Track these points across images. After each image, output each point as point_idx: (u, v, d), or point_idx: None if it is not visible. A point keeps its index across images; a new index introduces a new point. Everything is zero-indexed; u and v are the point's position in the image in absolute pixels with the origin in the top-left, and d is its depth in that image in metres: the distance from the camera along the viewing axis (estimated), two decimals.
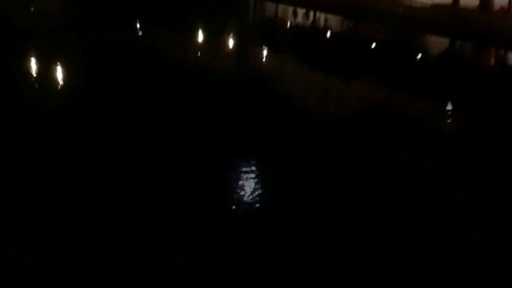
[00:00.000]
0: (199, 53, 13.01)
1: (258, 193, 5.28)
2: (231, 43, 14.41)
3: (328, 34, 17.33)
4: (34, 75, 9.71)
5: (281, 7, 21.43)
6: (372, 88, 10.13)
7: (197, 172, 5.77)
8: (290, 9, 20.76)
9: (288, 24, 18.87)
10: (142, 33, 15.50)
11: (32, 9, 18.10)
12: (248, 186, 5.44)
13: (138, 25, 16.38)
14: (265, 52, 13.22)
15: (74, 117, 7.42)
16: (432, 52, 14.88)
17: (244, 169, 5.86)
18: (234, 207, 5.04)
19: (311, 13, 20.24)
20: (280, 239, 4.48)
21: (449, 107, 9.25)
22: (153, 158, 6.10)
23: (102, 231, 4.44)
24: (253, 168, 5.91)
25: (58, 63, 10.55)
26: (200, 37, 15.20)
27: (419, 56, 14.07)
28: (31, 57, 10.92)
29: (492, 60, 14.30)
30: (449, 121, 8.56)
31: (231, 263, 4.04)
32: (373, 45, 15.41)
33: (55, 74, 9.85)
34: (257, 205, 5.07)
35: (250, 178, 5.64)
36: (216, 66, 11.29)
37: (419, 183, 5.85)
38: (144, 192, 5.25)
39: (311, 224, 4.80)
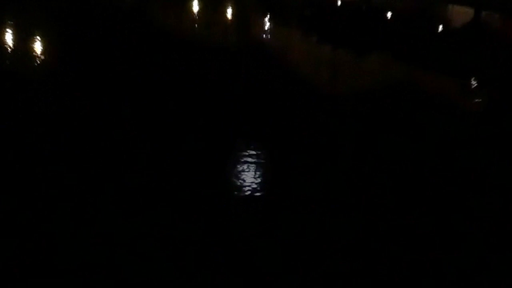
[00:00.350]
0: (197, 23, 12.78)
1: (260, 184, 5.12)
2: (230, 11, 14.09)
3: (339, 1, 16.91)
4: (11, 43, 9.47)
5: None
6: (387, 63, 9.99)
7: (194, 155, 5.61)
8: None
9: None
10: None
11: None
12: (250, 175, 5.27)
13: None
14: (268, 23, 12.93)
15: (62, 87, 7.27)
16: (455, 23, 14.56)
17: (247, 154, 5.70)
18: (232, 199, 4.91)
19: None
20: (285, 238, 4.35)
21: (474, 83, 9.06)
22: (148, 137, 5.98)
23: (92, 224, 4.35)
24: (257, 153, 5.74)
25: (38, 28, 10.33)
26: (198, 5, 14.83)
27: (441, 27, 13.81)
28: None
29: None
30: (475, 99, 8.40)
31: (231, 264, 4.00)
32: (389, 15, 15.11)
33: (35, 41, 9.60)
34: (258, 198, 4.90)
35: (253, 164, 5.48)
36: (214, 37, 11.13)
37: (443, 168, 5.68)
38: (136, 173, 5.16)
39: (321, 221, 4.64)
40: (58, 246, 4.02)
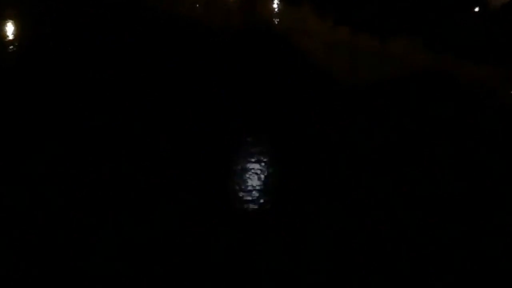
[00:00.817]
0: (198, 2, 12.59)
1: (268, 184, 5.21)
2: None
3: None
4: None
5: None
6: (415, 49, 9.81)
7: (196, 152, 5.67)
8: None
9: None
10: None
11: None
12: (260, 176, 5.33)
13: None
14: (277, 1, 12.68)
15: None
16: (494, 2, 13.62)
17: (254, 153, 5.73)
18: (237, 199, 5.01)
19: None
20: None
21: None
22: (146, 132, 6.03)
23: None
24: (266, 152, 5.79)
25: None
26: None
27: (477, 8, 13.13)
28: None
29: None
30: None
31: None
32: None
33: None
34: (265, 200, 4.99)
35: (261, 164, 5.52)
36: (217, 18, 10.97)
37: (481, 166, 5.70)
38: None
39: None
40: (57, 247, 4.17)
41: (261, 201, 4.95)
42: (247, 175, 5.31)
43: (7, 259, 4.09)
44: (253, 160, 5.56)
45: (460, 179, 5.47)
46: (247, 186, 5.14)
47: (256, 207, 4.86)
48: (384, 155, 5.82)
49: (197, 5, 12.14)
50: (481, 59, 9.34)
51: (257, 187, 5.12)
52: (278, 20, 11.55)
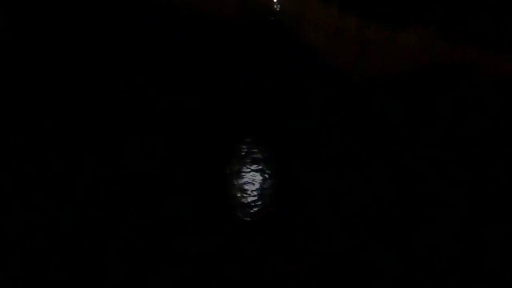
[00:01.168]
0: None
1: (269, 184, 5.24)
2: None
3: None
4: None
5: None
6: (431, 38, 9.63)
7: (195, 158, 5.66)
8: None
9: None
10: None
11: None
12: (257, 172, 5.41)
13: None
14: None
15: None
16: None
17: (254, 149, 5.79)
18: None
19: None
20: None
21: None
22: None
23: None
24: (266, 150, 5.83)
25: None
26: None
27: None
28: None
29: None
30: None
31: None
32: None
33: None
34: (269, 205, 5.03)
35: (260, 162, 5.56)
36: (211, 6, 10.80)
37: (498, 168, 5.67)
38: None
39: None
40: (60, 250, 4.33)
41: (262, 201, 5.00)
42: (247, 175, 5.36)
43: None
44: (253, 159, 5.60)
45: (480, 179, 5.44)
46: (247, 185, 5.20)
47: (257, 207, 4.91)
48: (394, 154, 5.76)
49: None
50: (507, 49, 9.10)
51: (257, 187, 5.17)
52: (278, 7, 11.17)
